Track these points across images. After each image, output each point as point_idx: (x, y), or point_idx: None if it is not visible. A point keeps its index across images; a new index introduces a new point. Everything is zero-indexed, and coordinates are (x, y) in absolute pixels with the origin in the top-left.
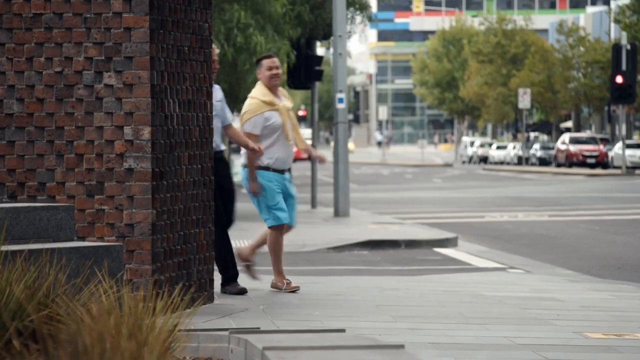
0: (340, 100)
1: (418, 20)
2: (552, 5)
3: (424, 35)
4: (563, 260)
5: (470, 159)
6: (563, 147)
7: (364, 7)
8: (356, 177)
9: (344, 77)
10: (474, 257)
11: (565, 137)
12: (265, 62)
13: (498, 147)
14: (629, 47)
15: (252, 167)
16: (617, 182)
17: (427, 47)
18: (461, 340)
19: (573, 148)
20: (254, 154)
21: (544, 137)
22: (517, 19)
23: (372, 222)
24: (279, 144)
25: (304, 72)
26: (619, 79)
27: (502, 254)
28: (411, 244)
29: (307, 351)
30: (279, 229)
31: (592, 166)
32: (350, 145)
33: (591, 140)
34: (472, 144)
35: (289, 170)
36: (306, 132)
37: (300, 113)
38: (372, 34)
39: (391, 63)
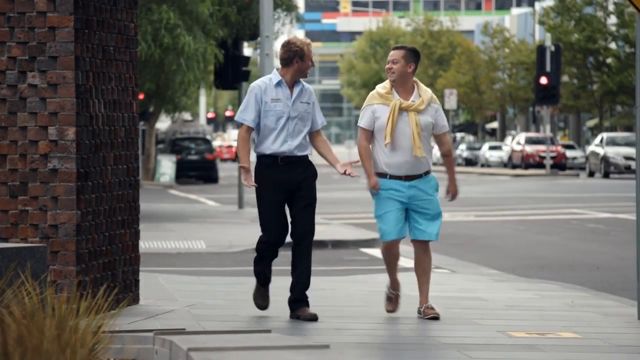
0: None
1: (345, 21)
2: (478, 7)
3: (351, 36)
4: (488, 259)
5: None
6: (518, 147)
7: (291, 8)
8: None
9: None
10: (400, 257)
11: (521, 137)
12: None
13: None
14: (553, 48)
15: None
16: (542, 182)
17: (355, 48)
18: (386, 340)
19: (529, 149)
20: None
21: (470, 138)
22: (444, 20)
23: None
24: (389, 145)
25: (231, 73)
26: (544, 80)
27: None
28: (338, 244)
29: (233, 352)
30: (385, 245)
31: (549, 167)
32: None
33: (547, 141)
34: None
35: (419, 176)
36: (233, 133)
37: (228, 113)
38: (299, 34)
39: (318, 64)
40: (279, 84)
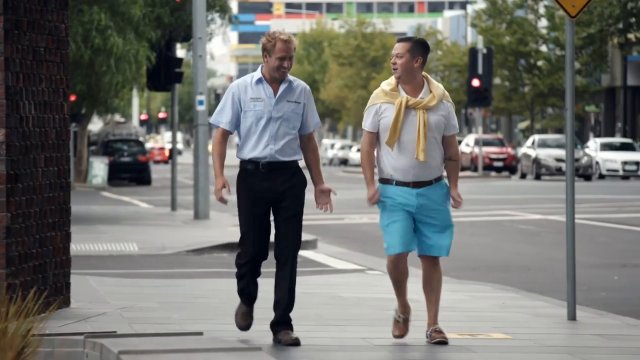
0: (201, 103)
1: (279, 22)
2: (411, 9)
3: None
4: (420, 261)
5: (331, 161)
6: (467, 149)
7: (224, 9)
8: None
9: (204, 79)
10: (333, 258)
11: (470, 138)
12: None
13: (358, 150)
14: (485, 51)
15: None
16: (474, 183)
17: None
18: (319, 342)
19: (479, 151)
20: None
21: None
22: (377, 22)
23: (233, 225)
24: (396, 147)
25: (163, 74)
26: (476, 83)
27: (361, 255)
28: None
29: (164, 354)
30: (392, 259)
31: (498, 170)
32: (211, 148)
33: (497, 142)
34: (332, 146)
35: (429, 183)
36: (166, 135)
37: (161, 115)
38: (233, 36)
39: (252, 65)
40: (259, 81)
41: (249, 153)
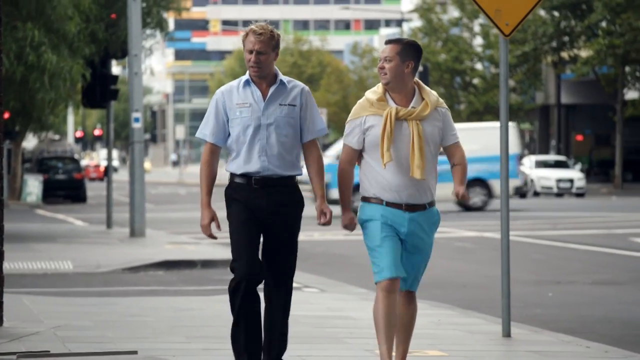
0: (137, 120)
1: (215, 39)
2: (347, 27)
3: (221, 54)
4: (357, 278)
5: None
6: None
7: (160, 26)
8: (153, 196)
9: (140, 96)
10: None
11: None
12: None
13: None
14: (421, 68)
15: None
16: None
17: (224, 67)
18: None
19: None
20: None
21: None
22: (313, 39)
23: (169, 242)
24: (387, 166)
25: (99, 91)
26: None
27: (297, 273)
28: (207, 264)
29: None
30: (383, 286)
31: None
32: (147, 165)
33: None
34: None
35: (423, 208)
36: (102, 152)
37: (96, 132)
38: (169, 53)
39: (188, 82)
40: (247, 83)
41: (240, 167)
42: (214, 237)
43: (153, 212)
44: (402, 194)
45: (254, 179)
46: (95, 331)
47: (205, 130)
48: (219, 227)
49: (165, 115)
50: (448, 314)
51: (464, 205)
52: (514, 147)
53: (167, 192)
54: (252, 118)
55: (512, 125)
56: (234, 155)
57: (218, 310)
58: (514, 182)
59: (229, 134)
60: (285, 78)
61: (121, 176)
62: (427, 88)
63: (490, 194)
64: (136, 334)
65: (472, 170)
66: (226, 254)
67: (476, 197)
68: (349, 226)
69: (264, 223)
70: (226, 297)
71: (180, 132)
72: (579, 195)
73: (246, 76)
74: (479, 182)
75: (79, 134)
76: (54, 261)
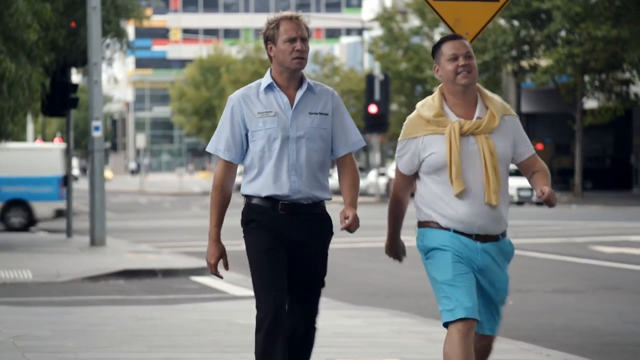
0: (97, 128)
1: (176, 48)
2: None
3: (181, 63)
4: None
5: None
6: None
7: (120, 35)
8: (113, 205)
9: (100, 104)
10: (230, 285)
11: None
12: (447, 48)
13: None
14: (382, 77)
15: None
16: (372, 209)
17: (185, 75)
18: None
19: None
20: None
21: None
22: None
23: (129, 251)
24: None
25: (58, 100)
26: (373, 109)
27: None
28: (168, 272)
29: None
30: (459, 328)
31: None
32: (108, 174)
33: None
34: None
35: (496, 239)
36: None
37: (56, 141)
38: (129, 61)
39: (149, 91)
40: (270, 88)
41: (265, 188)
42: (220, 276)
43: (113, 220)
44: (474, 225)
45: (281, 204)
46: (55, 341)
47: (219, 145)
48: (226, 266)
49: (126, 123)
50: (409, 322)
51: None
52: (57, 169)
53: (128, 201)
54: (279, 129)
55: (56, 147)
56: (254, 173)
57: (179, 319)
58: (55, 205)
59: (247, 149)
60: (311, 81)
61: (81, 185)
62: (489, 93)
63: (31, 216)
64: (96, 343)
65: (15, 191)
66: (188, 263)
67: (17, 219)
68: (393, 252)
69: (289, 256)
70: (188, 306)
71: (141, 140)
72: (539, 204)
73: (267, 79)
74: (21, 203)
75: (38, 142)
76: (13, 270)
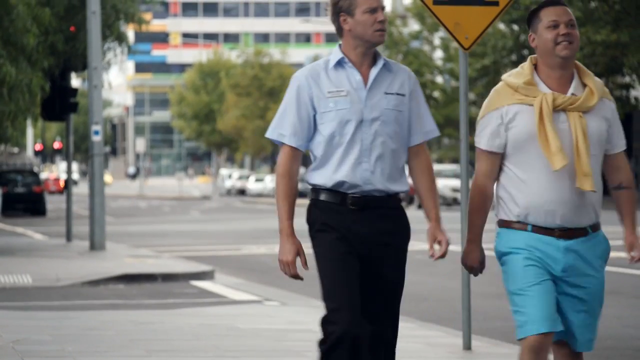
0: (96, 133)
1: (175, 52)
2: (308, 40)
3: (181, 67)
4: (318, 292)
5: (229, 192)
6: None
7: (120, 39)
8: (113, 210)
9: (99, 109)
10: (230, 289)
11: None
12: (546, 14)
13: (256, 180)
14: None
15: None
16: None
17: (185, 80)
18: None
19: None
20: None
21: (301, 170)
22: (274, 52)
23: (129, 256)
24: (539, 173)
25: (58, 104)
26: None
27: (258, 286)
28: (168, 277)
29: None
30: (530, 344)
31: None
32: (108, 178)
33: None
34: (230, 176)
35: (584, 233)
36: (62, 165)
37: (56, 145)
38: (129, 65)
39: (149, 95)
40: (340, 64)
41: (330, 178)
42: (300, 278)
43: (113, 225)
44: (555, 215)
45: (350, 197)
46: (55, 345)
47: (283, 129)
48: (305, 264)
49: (126, 127)
50: (408, 327)
51: None
52: None
53: (128, 205)
54: (353, 110)
55: None
56: (319, 161)
57: (179, 324)
58: None
59: (314, 133)
60: (385, 58)
61: (81, 189)
62: (588, 70)
63: None
64: (96, 348)
65: None
66: (188, 267)
67: None
68: (475, 268)
69: (362, 258)
70: (188, 311)
71: (141, 144)
72: None
73: (337, 54)
74: None
75: (38, 146)
76: (13, 275)
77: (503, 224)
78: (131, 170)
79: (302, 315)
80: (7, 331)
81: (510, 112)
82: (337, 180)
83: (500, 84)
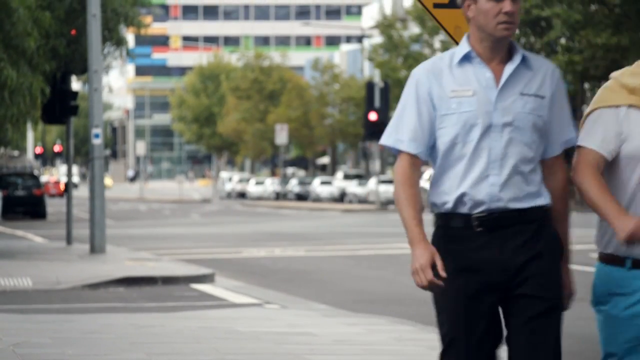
0: (97, 136)
1: (176, 55)
2: (308, 43)
3: (182, 70)
4: (318, 294)
5: (229, 195)
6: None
7: (120, 42)
8: (113, 213)
9: (100, 112)
10: (230, 292)
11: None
12: None
13: (256, 183)
14: (382, 84)
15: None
16: (371, 217)
17: (185, 83)
18: None
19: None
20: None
21: (301, 173)
22: (274, 55)
23: (129, 259)
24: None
25: (58, 107)
26: (373, 116)
27: (258, 289)
28: (168, 280)
29: None
30: None
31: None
32: (108, 181)
33: None
34: (230, 179)
35: None
36: (62, 168)
37: (56, 148)
38: (129, 69)
39: (149, 98)
40: (466, 58)
41: (448, 194)
42: (440, 285)
43: (113, 228)
44: None
45: (475, 218)
46: (55, 348)
47: (401, 135)
48: (443, 270)
49: (126, 131)
50: (409, 330)
51: None
52: None
53: (128, 208)
54: (480, 113)
55: None
56: (440, 173)
57: (179, 327)
58: None
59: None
60: (524, 52)
61: (81, 192)
62: None
63: None
64: (96, 351)
65: None
66: (188, 270)
67: None
68: (634, 238)
69: (503, 288)
70: (188, 314)
71: (141, 147)
72: None
73: (463, 46)
74: None
75: (38, 150)
76: (13, 278)
77: (605, 258)
78: (130, 173)
79: (302, 318)
80: (7, 334)
81: (627, 116)
82: (457, 198)
83: (610, 82)
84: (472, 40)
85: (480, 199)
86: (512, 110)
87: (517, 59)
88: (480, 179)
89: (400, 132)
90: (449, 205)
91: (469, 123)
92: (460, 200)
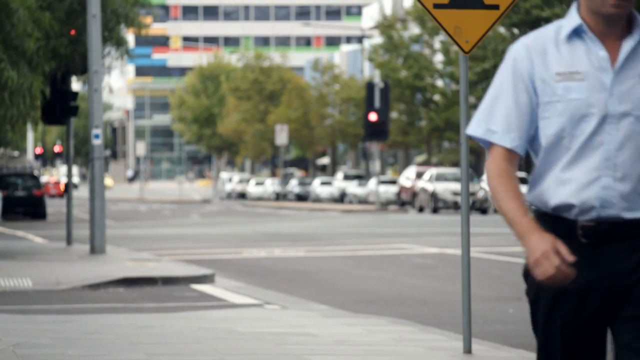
0: (97, 136)
1: (176, 56)
2: (308, 43)
3: (182, 71)
4: (318, 295)
5: (229, 195)
6: (408, 183)
7: (120, 43)
8: (113, 213)
9: (100, 112)
10: (230, 293)
11: (411, 171)
12: None
13: (257, 184)
14: (382, 85)
15: None
16: (372, 217)
17: (185, 83)
18: None
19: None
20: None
21: (300, 173)
22: (274, 56)
23: (129, 259)
24: None
25: (58, 107)
26: (373, 117)
27: (258, 289)
28: (168, 280)
29: None
30: None
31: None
32: (108, 181)
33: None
34: (230, 180)
35: None
36: (62, 169)
37: (56, 149)
38: (129, 69)
39: (149, 99)
40: (576, 33)
41: (550, 196)
42: (569, 271)
43: (113, 228)
44: None
45: (581, 226)
46: (55, 349)
47: (493, 124)
48: (568, 256)
49: (126, 131)
50: (408, 331)
51: None
52: None
53: (128, 209)
54: (592, 101)
55: None
56: (537, 172)
57: (179, 327)
58: None
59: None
60: None
61: (81, 193)
62: None
63: None
64: (96, 351)
65: None
66: (188, 271)
67: None
68: None
69: (610, 305)
70: (189, 314)
71: (141, 148)
72: None
73: (572, 18)
74: None
75: (38, 150)
76: (13, 278)
77: None
78: (129, 173)
79: (302, 319)
80: (8, 335)
81: None
82: (560, 202)
83: None
84: (583, 12)
85: (590, 205)
86: (632, 96)
87: (638, 34)
88: (592, 181)
89: (492, 121)
90: (550, 205)
91: (578, 113)
92: (563, 203)
